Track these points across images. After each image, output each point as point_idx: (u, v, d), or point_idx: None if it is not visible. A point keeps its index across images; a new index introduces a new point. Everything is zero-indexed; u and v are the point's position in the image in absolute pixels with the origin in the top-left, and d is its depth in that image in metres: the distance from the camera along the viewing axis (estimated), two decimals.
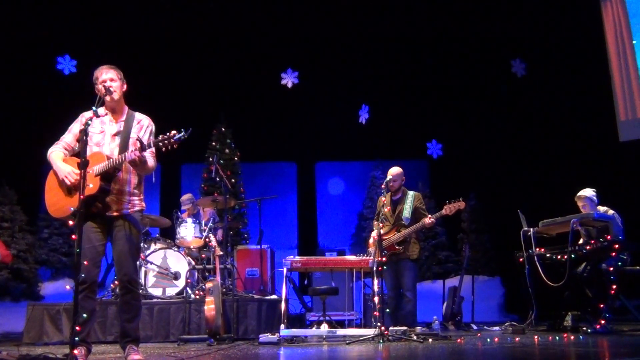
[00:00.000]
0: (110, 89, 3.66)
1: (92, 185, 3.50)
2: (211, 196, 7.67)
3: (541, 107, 9.92)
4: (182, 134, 3.49)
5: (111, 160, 3.58)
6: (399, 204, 5.82)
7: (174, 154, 3.69)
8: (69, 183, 3.57)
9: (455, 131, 11.00)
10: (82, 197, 3.24)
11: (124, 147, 3.67)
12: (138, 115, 3.88)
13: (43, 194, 3.76)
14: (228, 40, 10.39)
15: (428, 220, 5.57)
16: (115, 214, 3.66)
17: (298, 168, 12.01)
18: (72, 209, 3.45)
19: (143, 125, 3.85)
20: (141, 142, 3.54)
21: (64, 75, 9.68)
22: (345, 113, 10.92)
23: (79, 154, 3.67)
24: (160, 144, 3.50)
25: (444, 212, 5.58)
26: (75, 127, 3.79)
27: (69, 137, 3.79)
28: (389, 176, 5.78)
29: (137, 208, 3.78)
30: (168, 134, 3.51)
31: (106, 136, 3.73)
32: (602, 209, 5.82)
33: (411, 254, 5.68)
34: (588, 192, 5.90)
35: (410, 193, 5.86)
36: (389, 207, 5.75)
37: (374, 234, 5.86)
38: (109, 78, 3.71)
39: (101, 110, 3.71)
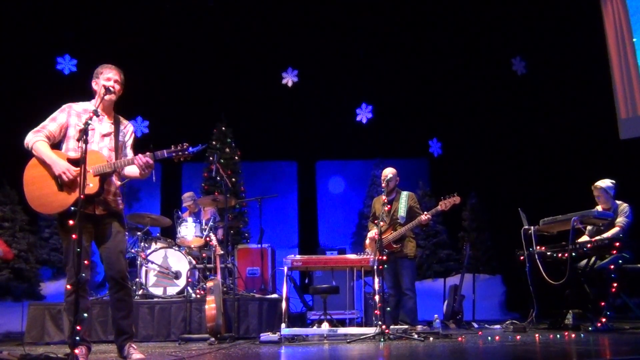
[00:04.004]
0: (112, 89, 3.68)
1: (92, 185, 3.49)
2: (212, 195, 7.67)
3: (542, 105, 9.91)
4: (197, 147, 3.58)
5: (114, 162, 3.60)
6: (394, 203, 5.85)
7: None
8: (66, 179, 3.49)
9: (456, 129, 10.98)
10: (82, 197, 3.24)
11: (116, 150, 3.71)
12: (123, 121, 3.91)
13: (21, 185, 3.57)
14: (228, 39, 10.38)
15: (424, 216, 5.60)
16: (104, 212, 3.66)
17: (298, 167, 12.00)
18: (72, 208, 3.43)
19: (128, 130, 3.90)
20: (152, 151, 3.58)
21: (64, 75, 9.69)
22: (346, 112, 10.92)
23: (58, 145, 3.68)
24: (174, 154, 3.56)
25: (440, 207, 5.60)
26: (60, 117, 3.71)
27: (53, 126, 3.68)
28: (389, 175, 5.82)
29: (121, 207, 3.81)
30: (181, 145, 3.56)
31: (95, 134, 3.71)
32: (617, 202, 5.80)
33: (408, 252, 5.72)
34: (605, 182, 5.84)
35: (404, 193, 5.91)
36: (389, 206, 5.77)
37: (370, 234, 5.88)
38: (114, 79, 3.73)
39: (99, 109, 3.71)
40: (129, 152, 3.87)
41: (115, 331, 3.74)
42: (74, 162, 3.54)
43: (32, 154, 3.61)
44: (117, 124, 3.81)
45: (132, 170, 3.74)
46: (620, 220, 5.60)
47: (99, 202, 3.62)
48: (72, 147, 3.64)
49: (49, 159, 3.54)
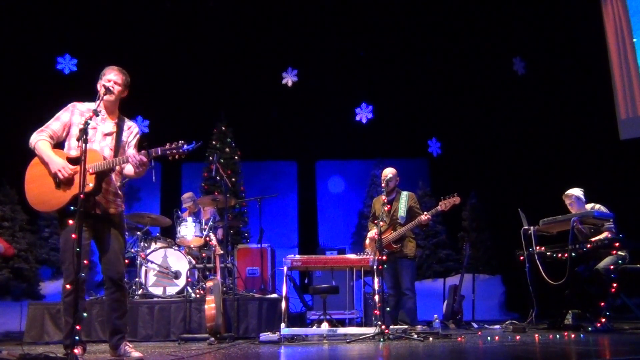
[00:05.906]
0: (111, 89, 3.71)
1: (89, 183, 3.48)
2: (211, 195, 7.67)
3: (541, 105, 9.91)
4: (192, 144, 3.54)
5: (110, 160, 3.61)
6: (393, 203, 5.85)
7: None
8: (62, 177, 3.52)
9: (456, 129, 10.99)
10: (82, 196, 3.23)
11: (117, 149, 3.72)
12: (128, 121, 3.94)
13: (23, 184, 3.62)
14: (228, 38, 10.38)
15: (424, 217, 5.60)
16: (104, 212, 3.68)
17: (298, 167, 12.01)
18: (72, 208, 3.44)
19: (132, 131, 3.91)
20: (147, 149, 3.58)
21: (64, 75, 9.69)
22: (346, 111, 10.93)
23: (62, 144, 3.72)
24: (168, 152, 3.55)
25: (440, 208, 5.60)
26: (64, 116, 3.76)
27: (57, 125, 3.73)
28: (389, 175, 5.82)
29: (121, 209, 3.82)
30: (176, 143, 3.55)
31: (98, 133, 3.74)
32: (589, 206, 5.83)
33: (408, 252, 5.72)
34: (576, 190, 5.93)
35: (404, 193, 5.91)
36: (389, 206, 5.77)
37: (370, 234, 5.88)
38: (114, 80, 3.77)
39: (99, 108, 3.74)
40: (132, 152, 3.86)
41: (110, 331, 3.76)
42: (73, 160, 3.57)
43: (34, 153, 3.65)
44: (120, 124, 3.84)
45: (129, 169, 3.74)
46: (608, 226, 5.61)
47: (97, 202, 3.63)
48: (74, 146, 3.67)
49: (47, 157, 3.58)
